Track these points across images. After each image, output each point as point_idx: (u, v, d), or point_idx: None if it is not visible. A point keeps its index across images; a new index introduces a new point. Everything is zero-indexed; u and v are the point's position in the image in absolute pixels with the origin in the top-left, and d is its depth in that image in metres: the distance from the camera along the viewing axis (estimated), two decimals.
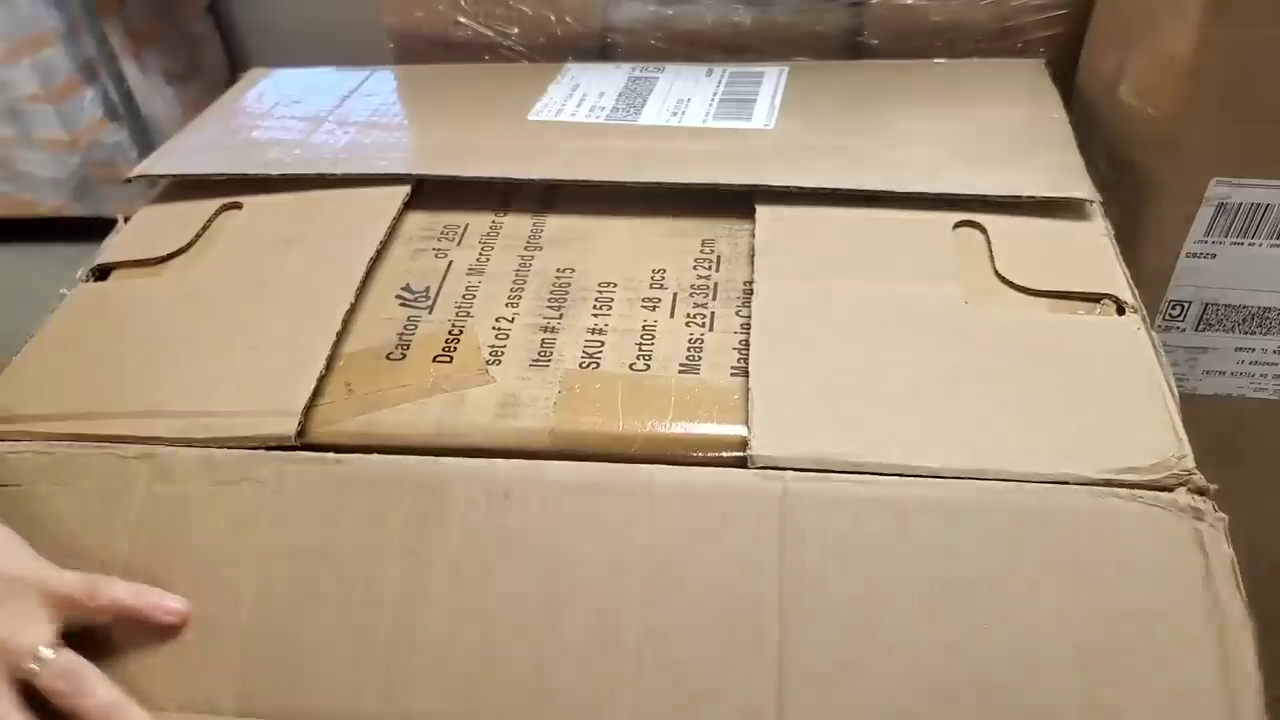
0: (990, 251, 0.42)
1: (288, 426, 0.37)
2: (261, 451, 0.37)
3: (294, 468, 0.37)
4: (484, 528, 0.34)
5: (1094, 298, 0.40)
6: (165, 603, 0.35)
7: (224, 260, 0.46)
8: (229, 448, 0.37)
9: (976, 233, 0.43)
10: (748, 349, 0.39)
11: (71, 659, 0.34)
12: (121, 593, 0.35)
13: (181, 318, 0.43)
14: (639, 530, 0.34)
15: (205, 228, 0.49)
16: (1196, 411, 0.36)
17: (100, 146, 1.25)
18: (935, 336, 0.38)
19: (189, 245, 0.48)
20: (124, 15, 1.25)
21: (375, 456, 0.37)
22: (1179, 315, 0.50)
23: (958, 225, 0.44)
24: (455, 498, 0.35)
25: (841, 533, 0.33)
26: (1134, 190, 0.48)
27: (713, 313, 0.42)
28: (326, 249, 0.46)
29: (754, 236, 0.44)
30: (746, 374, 0.38)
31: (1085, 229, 0.43)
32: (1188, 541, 0.32)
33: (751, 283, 0.42)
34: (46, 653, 0.33)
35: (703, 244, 0.46)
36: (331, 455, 0.37)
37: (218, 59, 1.44)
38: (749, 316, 0.41)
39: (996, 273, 0.41)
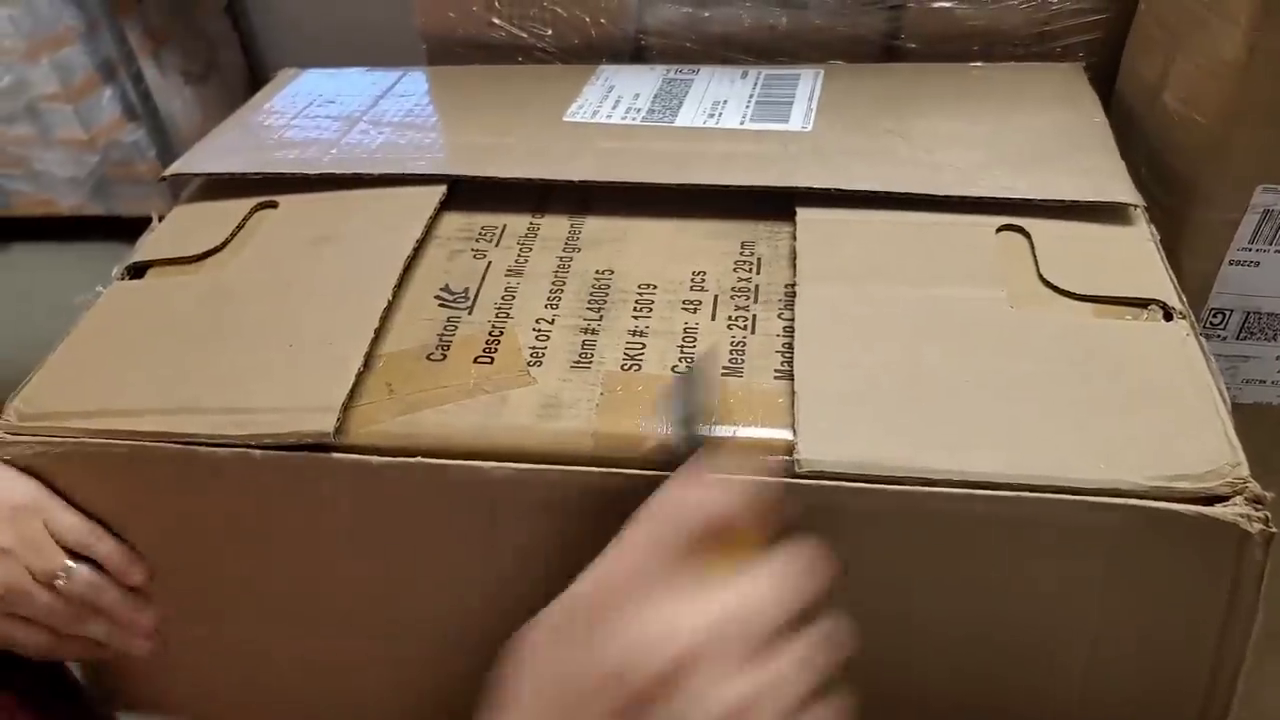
0: (1034, 255, 0.42)
1: (326, 423, 0.36)
2: (304, 453, 0.37)
3: (334, 468, 0.36)
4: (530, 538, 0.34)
5: (1141, 303, 0.39)
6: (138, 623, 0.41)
7: (259, 259, 0.46)
8: (266, 447, 0.37)
9: (1019, 237, 0.43)
10: (791, 352, 0.39)
11: (90, 570, 0.40)
12: (108, 550, 0.40)
13: (216, 315, 0.43)
14: None
15: (240, 226, 0.48)
16: (1237, 420, 0.35)
17: (118, 146, 1.25)
18: (980, 341, 0.38)
19: (224, 244, 0.47)
20: (142, 15, 1.26)
21: (418, 460, 0.36)
22: (1220, 323, 0.50)
23: (1000, 229, 0.43)
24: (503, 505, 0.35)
25: (890, 544, 0.33)
26: (1177, 196, 0.48)
27: (755, 315, 0.41)
28: (363, 248, 0.45)
29: (794, 239, 0.44)
30: (790, 377, 0.37)
31: (1129, 234, 0.43)
32: (1230, 554, 0.32)
33: (793, 285, 0.42)
34: (71, 564, 0.39)
35: (742, 246, 0.45)
36: (376, 459, 0.36)
37: (235, 59, 1.44)
38: (791, 319, 0.40)
39: (1041, 277, 0.41)
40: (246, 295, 0.44)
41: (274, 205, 0.49)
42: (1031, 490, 0.33)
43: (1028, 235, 0.43)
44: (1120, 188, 0.44)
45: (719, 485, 0.30)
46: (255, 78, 1.50)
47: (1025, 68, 0.55)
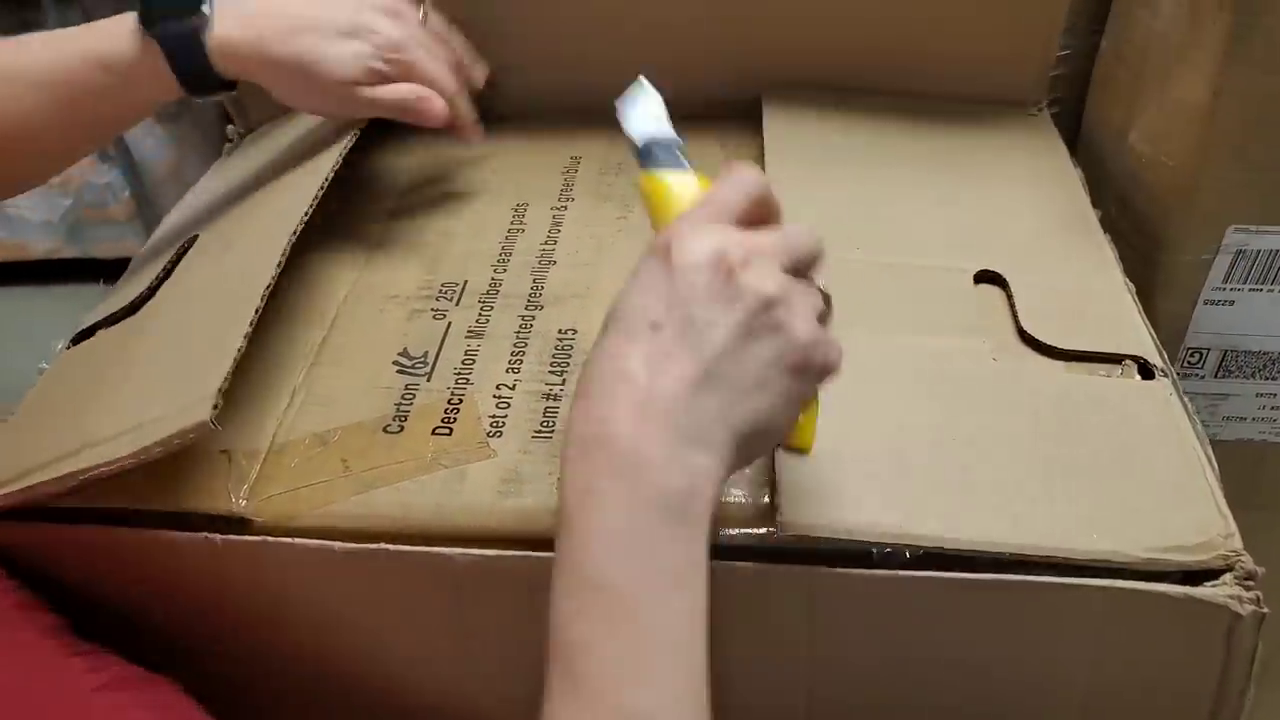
0: (1012, 306, 0.41)
1: (202, 412, 0.34)
2: (262, 538, 0.36)
3: (294, 554, 0.35)
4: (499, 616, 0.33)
5: (1118, 358, 0.38)
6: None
7: (177, 291, 0.45)
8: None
9: (996, 287, 0.42)
10: None
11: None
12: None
13: (125, 353, 0.42)
14: None
15: (169, 266, 0.47)
16: (1218, 457, 0.35)
17: (91, 188, 1.24)
18: (964, 395, 0.37)
19: (154, 288, 0.46)
20: None
21: (379, 547, 0.35)
22: (1198, 362, 0.49)
23: (977, 276, 0.42)
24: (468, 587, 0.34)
25: (874, 623, 0.32)
26: (1147, 238, 0.47)
27: None
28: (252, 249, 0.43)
29: None
30: None
31: (1106, 283, 0.42)
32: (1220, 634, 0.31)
33: None
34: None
35: None
36: (337, 545, 0.35)
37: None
38: None
39: (1020, 329, 0.40)
40: (153, 328, 0.43)
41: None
42: (1024, 562, 0.32)
43: (1005, 284, 0.42)
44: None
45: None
46: (228, 115, 1.49)
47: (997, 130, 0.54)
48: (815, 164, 0.48)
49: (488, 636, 0.37)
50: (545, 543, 0.34)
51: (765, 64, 0.52)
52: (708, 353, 0.26)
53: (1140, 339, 0.39)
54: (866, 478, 0.34)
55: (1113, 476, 0.34)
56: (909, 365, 0.38)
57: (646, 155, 0.32)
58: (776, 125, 0.49)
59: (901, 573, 0.32)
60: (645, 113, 0.33)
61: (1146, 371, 0.38)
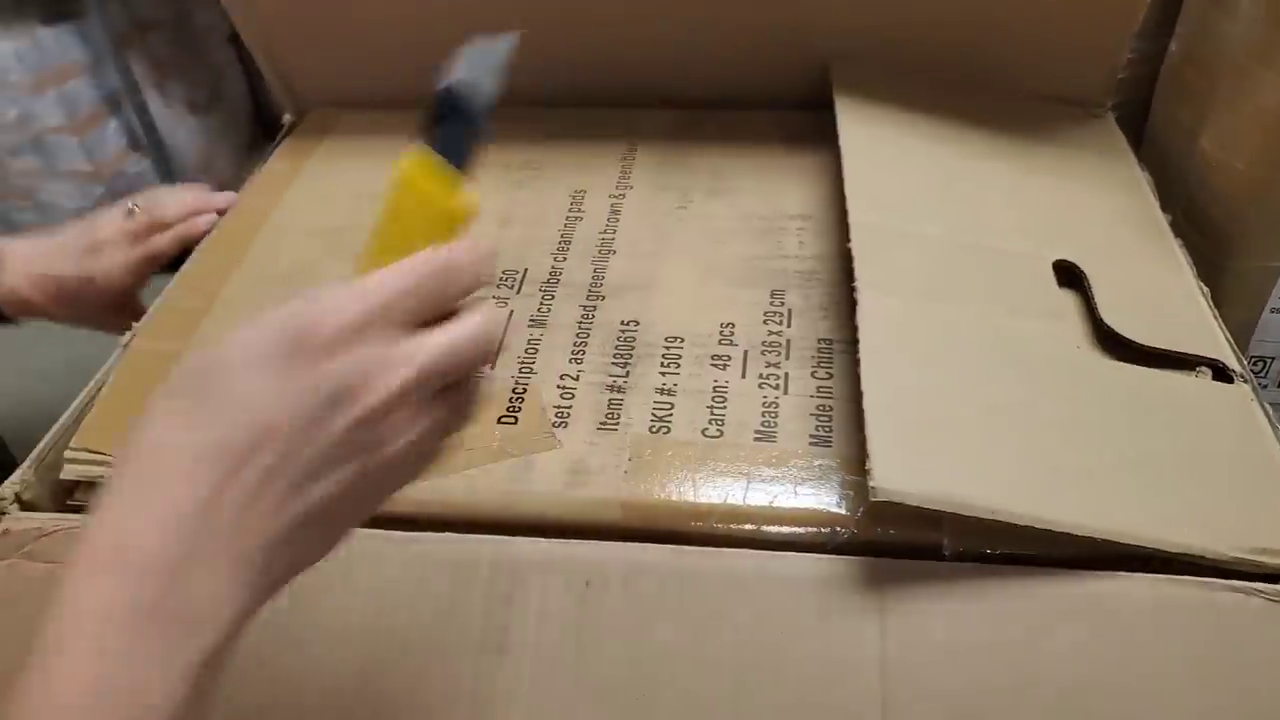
0: (1091, 298, 0.40)
1: None
2: None
3: (362, 545, 0.35)
4: (564, 617, 0.33)
5: (1196, 360, 0.38)
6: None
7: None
8: None
9: (1075, 273, 0.42)
10: (826, 415, 0.37)
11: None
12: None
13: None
14: (727, 622, 0.32)
15: None
16: None
17: (123, 177, 1.25)
18: (1048, 379, 0.36)
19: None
20: (147, 47, 1.25)
21: (450, 535, 0.35)
22: (1261, 371, 0.49)
23: (1056, 264, 0.42)
24: (533, 584, 0.34)
25: (949, 626, 0.31)
26: (1215, 243, 0.46)
27: (786, 374, 0.40)
28: None
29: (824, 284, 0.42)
30: (827, 443, 0.36)
31: (1180, 285, 0.42)
32: None
33: (828, 340, 0.40)
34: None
35: (772, 295, 0.44)
36: (403, 535, 0.35)
37: (239, 89, 1.43)
38: (827, 378, 0.39)
39: (1099, 319, 0.39)
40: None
41: None
42: (1109, 557, 0.31)
43: (1082, 276, 0.41)
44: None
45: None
46: (259, 107, 1.49)
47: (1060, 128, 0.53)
48: (888, 136, 0.48)
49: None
50: (612, 532, 0.35)
51: (832, 33, 0.51)
52: (299, 508, 0.22)
53: (1216, 342, 0.39)
54: (957, 451, 0.33)
55: (1197, 476, 0.33)
56: (995, 344, 0.37)
57: (436, 119, 0.26)
58: (847, 94, 0.49)
59: (974, 567, 0.32)
60: (480, 65, 0.26)
61: (1223, 376, 0.37)
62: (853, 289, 0.38)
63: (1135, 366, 0.37)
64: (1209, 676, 0.30)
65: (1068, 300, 0.40)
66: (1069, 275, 0.41)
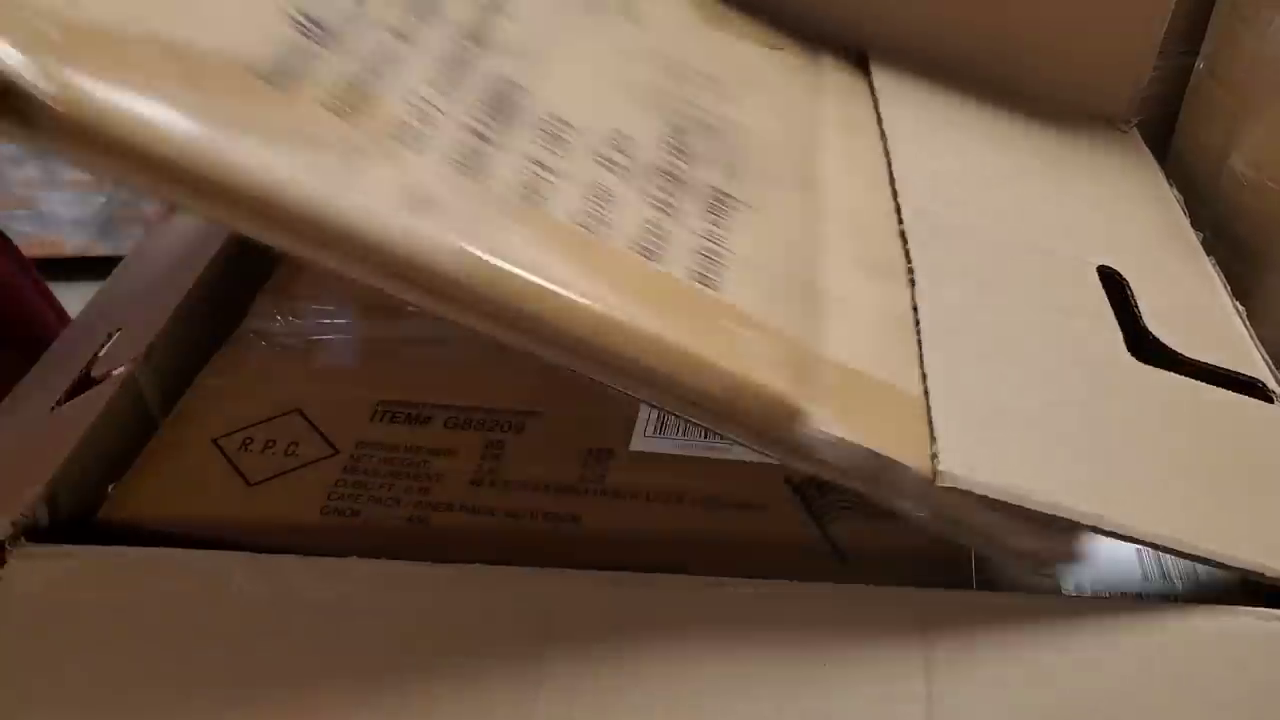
0: (1135, 305, 0.40)
1: None
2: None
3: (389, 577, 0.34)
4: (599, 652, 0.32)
5: (1237, 377, 0.37)
6: None
7: None
8: None
9: (1116, 281, 0.41)
10: (714, 259, 0.32)
11: None
12: None
13: None
14: (768, 658, 0.31)
15: None
16: None
17: (124, 187, 1.24)
18: (1104, 378, 0.35)
19: None
20: None
21: (480, 568, 0.34)
22: None
23: (1099, 269, 0.41)
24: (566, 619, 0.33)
25: (997, 660, 0.31)
26: (1246, 263, 0.46)
27: (677, 205, 0.34)
28: None
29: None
30: (712, 286, 0.31)
31: (1216, 300, 0.42)
32: None
33: (727, 195, 0.36)
34: None
35: (675, 131, 0.38)
36: (431, 565, 0.34)
37: None
38: (718, 228, 0.34)
39: (1144, 327, 0.39)
40: None
41: None
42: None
43: (1125, 282, 0.41)
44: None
45: None
46: None
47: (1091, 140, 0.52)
48: (928, 129, 0.47)
49: None
50: (446, 283, 0.26)
51: (868, 25, 0.51)
52: None
53: (1253, 361, 0.38)
54: (1021, 444, 0.32)
55: (1250, 491, 0.33)
56: (1051, 340, 0.36)
57: None
58: (887, 82, 0.48)
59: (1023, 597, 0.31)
60: None
61: (1262, 395, 0.37)
62: (909, 276, 0.37)
63: (1183, 377, 0.37)
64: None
65: (1110, 305, 0.39)
66: (1109, 282, 0.40)
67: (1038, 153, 0.48)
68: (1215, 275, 0.43)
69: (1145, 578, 0.40)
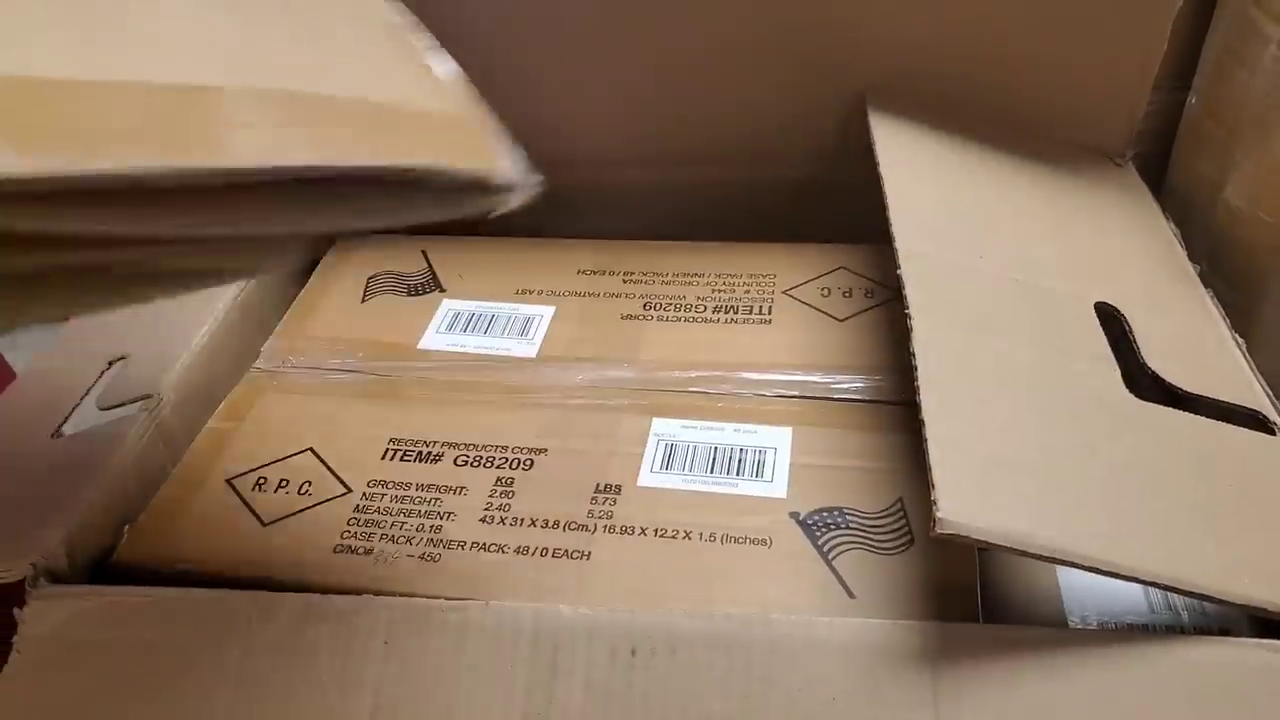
0: (1134, 342, 0.40)
1: None
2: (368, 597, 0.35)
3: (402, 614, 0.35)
4: (609, 687, 0.32)
5: (1238, 410, 0.38)
6: None
7: None
8: None
9: (1115, 318, 0.42)
10: None
11: None
12: None
13: None
14: (779, 691, 0.32)
15: None
16: None
17: None
18: (1102, 418, 0.36)
19: None
20: None
21: (493, 604, 0.34)
22: None
23: (1097, 306, 0.42)
24: (578, 654, 0.33)
25: (1007, 695, 0.31)
26: (1242, 294, 0.47)
27: None
28: None
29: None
30: None
31: (1214, 333, 0.42)
32: None
33: None
34: None
35: None
36: (444, 602, 0.35)
37: None
38: None
39: (1143, 363, 0.39)
40: None
41: None
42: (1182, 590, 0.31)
43: (1123, 317, 0.41)
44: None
45: None
46: None
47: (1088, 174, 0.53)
48: (925, 163, 0.48)
49: None
50: None
51: (866, 64, 0.52)
52: None
53: (1254, 393, 0.39)
54: (1020, 489, 0.32)
55: (1252, 525, 0.33)
56: (1049, 383, 0.37)
57: None
58: (882, 123, 0.49)
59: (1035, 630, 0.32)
60: None
61: (1263, 427, 0.37)
62: (906, 316, 0.37)
63: (1184, 413, 0.37)
64: None
65: (1113, 343, 0.40)
66: (1107, 318, 0.41)
67: (1034, 189, 0.49)
68: (1213, 307, 0.43)
69: (1151, 609, 0.40)
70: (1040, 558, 0.31)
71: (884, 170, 0.44)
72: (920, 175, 0.46)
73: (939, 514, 0.30)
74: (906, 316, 0.37)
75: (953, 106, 0.51)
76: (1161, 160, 0.54)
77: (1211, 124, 0.49)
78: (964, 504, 0.31)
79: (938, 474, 0.31)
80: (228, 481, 0.43)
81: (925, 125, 0.50)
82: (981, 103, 0.51)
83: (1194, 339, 0.42)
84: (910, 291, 0.38)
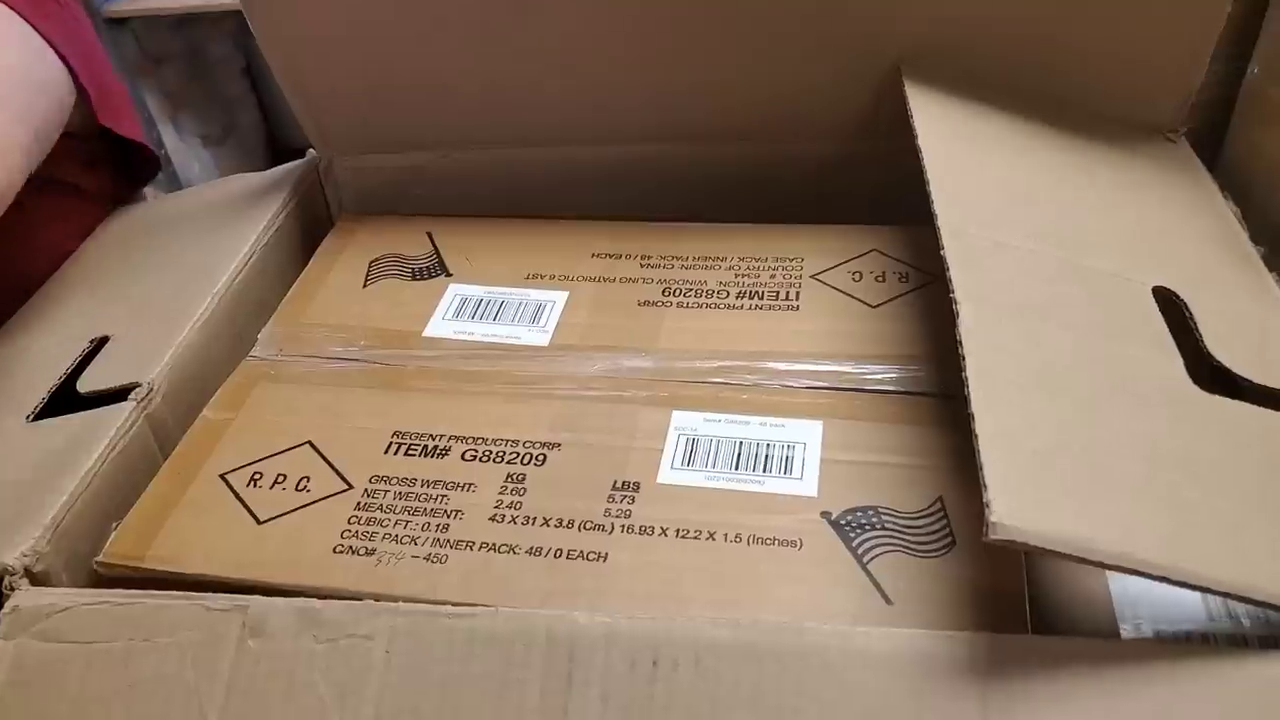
0: (1196, 328, 0.37)
1: None
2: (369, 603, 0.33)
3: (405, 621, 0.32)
4: (629, 700, 0.30)
5: None
6: None
7: None
8: None
9: (1175, 302, 0.38)
10: None
11: None
12: None
13: None
14: (813, 707, 0.29)
15: None
16: None
17: None
18: (1165, 411, 0.33)
19: None
20: (160, 79, 1.24)
21: (504, 611, 0.32)
22: None
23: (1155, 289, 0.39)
24: (595, 664, 0.31)
25: (1061, 713, 0.28)
26: None
27: None
28: None
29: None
30: None
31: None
32: None
33: None
34: None
35: None
36: (451, 608, 0.32)
37: (253, 120, 1.42)
38: None
39: (1206, 351, 0.36)
40: None
41: None
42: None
43: (1183, 303, 0.38)
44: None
45: None
46: (274, 139, 1.48)
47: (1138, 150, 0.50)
48: (966, 140, 0.45)
49: None
50: None
51: (902, 33, 0.48)
52: None
53: None
54: (1076, 489, 0.29)
55: None
56: (1103, 370, 0.34)
57: None
58: (922, 99, 0.46)
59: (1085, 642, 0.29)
60: None
61: None
62: (951, 301, 0.34)
63: (1250, 405, 0.34)
64: None
65: (1173, 329, 0.37)
66: (1165, 303, 0.38)
67: (1081, 165, 0.46)
68: (1278, 292, 0.40)
69: (1210, 617, 0.37)
70: (1102, 565, 0.28)
71: (923, 144, 0.41)
72: (962, 151, 0.43)
73: (992, 517, 0.28)
74: (952, 301, 0.34)
75: (992, 81, 0.48)
76: (1217, 134, 0.51)
77: (1278, 95, 0.45)
78: (1019, 506, 0.28)
79: (989, 473, 0.29)
80: (221, 477, 0.40)
81: (965, 99, 0.47)
82: (1023, 76, 0.48)
83: (1259, 327, 0.39)
84: (956, 274, 0.35)
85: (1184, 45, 0.46)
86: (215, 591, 0.34)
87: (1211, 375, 0.36)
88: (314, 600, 0.33)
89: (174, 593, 0.34)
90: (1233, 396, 0.35)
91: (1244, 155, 0.48)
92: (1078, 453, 0.31)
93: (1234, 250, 0.42)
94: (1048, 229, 0.40)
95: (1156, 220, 0.43)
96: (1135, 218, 0.43)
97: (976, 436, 0.30)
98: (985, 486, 0.28)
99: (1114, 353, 0.35)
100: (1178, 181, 0.46)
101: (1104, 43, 0.46)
